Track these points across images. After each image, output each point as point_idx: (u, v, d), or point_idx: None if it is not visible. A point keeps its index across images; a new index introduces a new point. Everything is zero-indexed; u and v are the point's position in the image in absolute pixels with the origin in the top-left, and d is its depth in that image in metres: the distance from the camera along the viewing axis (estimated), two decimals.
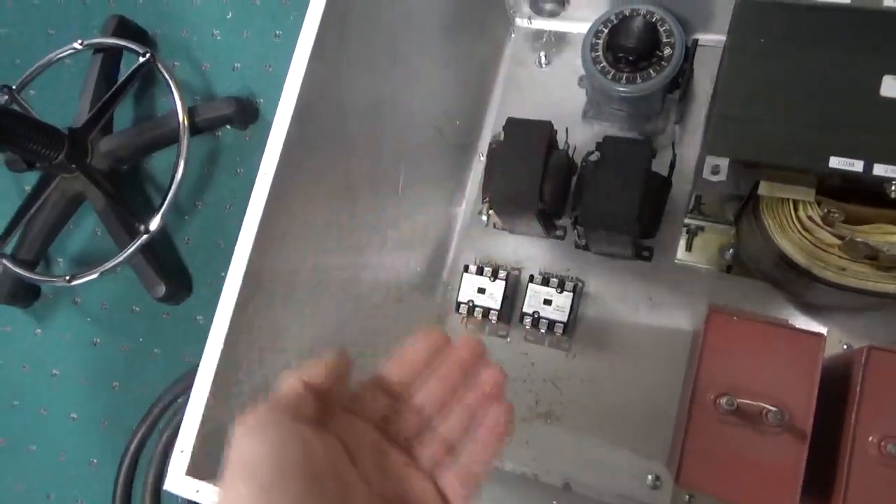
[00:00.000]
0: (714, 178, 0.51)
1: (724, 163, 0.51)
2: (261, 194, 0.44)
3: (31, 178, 1.12)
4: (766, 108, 0.51)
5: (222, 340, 0.41)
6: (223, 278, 1.05)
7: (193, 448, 0.39)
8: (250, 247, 0.42)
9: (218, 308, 0.42)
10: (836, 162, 0.49)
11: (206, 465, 0.40)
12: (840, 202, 0.52)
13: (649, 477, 0.67)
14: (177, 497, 0.81)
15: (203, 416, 0.40)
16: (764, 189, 0.53)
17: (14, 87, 1.09)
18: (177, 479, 0.39)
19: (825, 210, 0.51)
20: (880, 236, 0.51)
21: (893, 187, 0.48)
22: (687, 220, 0.69)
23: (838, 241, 0.51)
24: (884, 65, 0.49)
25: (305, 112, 0.45)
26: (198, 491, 0.39)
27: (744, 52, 0.53)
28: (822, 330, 0.65)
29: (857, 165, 0.48)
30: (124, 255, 0.96)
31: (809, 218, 0.52)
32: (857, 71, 0.50)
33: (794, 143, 0.50)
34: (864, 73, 0.49)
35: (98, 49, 1.09)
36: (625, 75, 0.67)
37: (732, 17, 0.53)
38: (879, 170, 0.48)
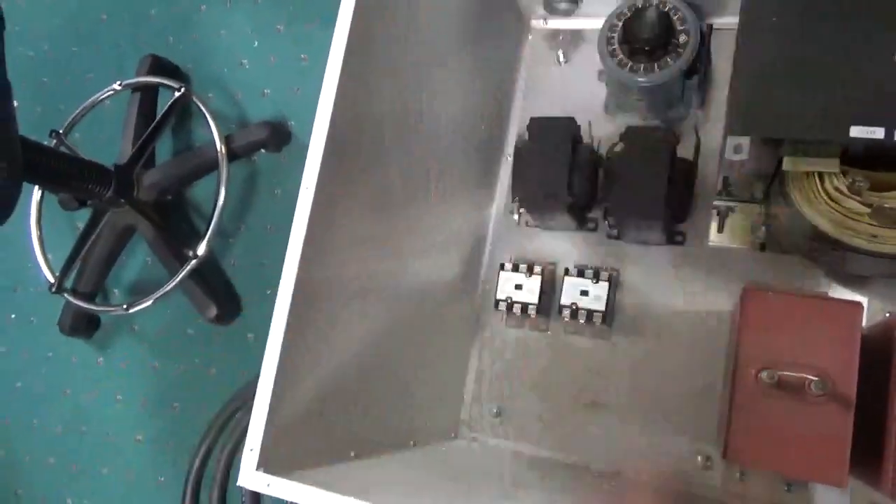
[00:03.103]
0: (737, 158, 0.53)
1: (745, 141, 0.52)
2: (303, 211, 0.46)
3: (82, 215, 1.17)
4: (782, 84, 0.52)
5: (279, 347, 0.44)
6: (269, 296, 1.09)
7: (262, 445, 0.42)
8: (297, 261, 0.45)
9: (273, 318, 0.45)
10: (856, 131, 0.49)
11: (274, 460, 0.43)
12: (865, 170, 0.53)
13: (699, 458, 0.67)
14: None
15: (267, 416, 0.43)
16: (788, 164, 0.53)
17: (61, 130, 1.15)
18: (248, 475, 0.42)
19: (850, 179, 0.52)
20: None
21: None
22: (716, 202, 0.70)
23: (867, 210, 0.51)
24: None
25: (339, 129, 0.48)
26: (269, 485, 0.42)
27: (757, 30, 0.54)
28: (863, 300, 0.65)
29: (879, 133, 0.49)
30: (176, 281, 1.00)
31: (836, 188, 0.53)
32: (870, 41, 0.50)
33: (813, 116, 0.51)
34: (878, 42, 0.50)
35: (135, 88, 1.15)
36: (642, 66, 0.68)
37: None
38: None
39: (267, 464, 0.42)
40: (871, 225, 0.52)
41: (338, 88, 0.48)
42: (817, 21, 0.52)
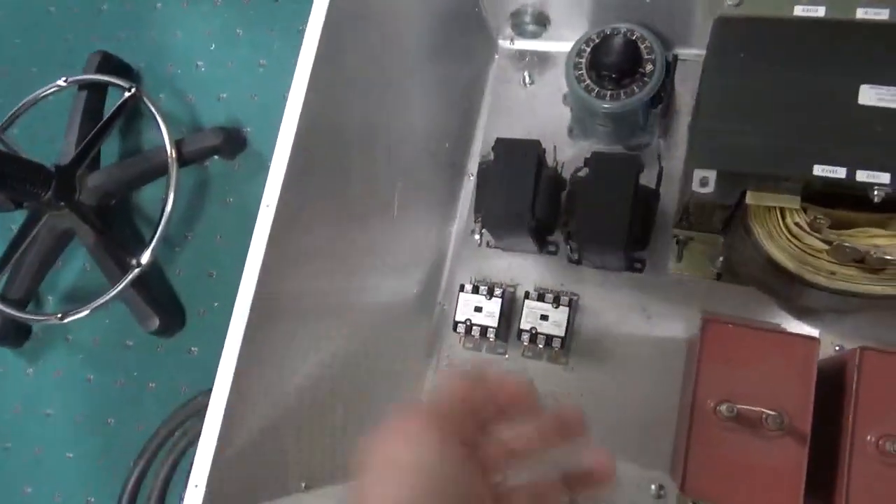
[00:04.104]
0: (703, 190, 0.53)
1: (711, 175, 0.52)
2: (264, 224, 0.44)
3: (16, 217, 1.11)
4: (750, 121, 0.53)
5: (233, 367, 0.42)
6: (216, 308, 1.05)
7: (209, 479, 0.39)
8: (256, 275, 0.43)
9: (227, 338, 0.43)
10: (819, 169, 0.50)
11: (220, 497, 0.40)
12: (826, 208, 0.54)
13: (653, 487, 0.67)
14: None
15: (217, 446, 0.40)
16: (751, 198, 0.54)
17: None
18: None
19: (812, 216, 0.52)
20: (866, 239, 0.52)
21: (876, 192, 0.49)
22: (676, 231, 0.70)
23: (826, 247, 0.52)
24: (860, 74, 0.51)
25: (303, 141, 0.46)
26: None
27: (724, 67, 0.54)
28: (814, 332, 0.66)
29: (840, 172, 0.50)
30: (116, 290, 0.96)
31: (797, 224, 0.53)
32: (834, 81, 0.51)
33: (778, 153, 0.51)
34: (842, 82, 0.51)
35: (83, 85, 1.10)
36: (608, 92, 0.68)
37: (711, 34, 0.55)
38: (862, 175, 0.49)
39: (213, 501, 0.39)
40: (830, 262, 0.53)
41: (304, 100, 0.46)
42: (784, 60, 0.53)
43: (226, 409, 0.41)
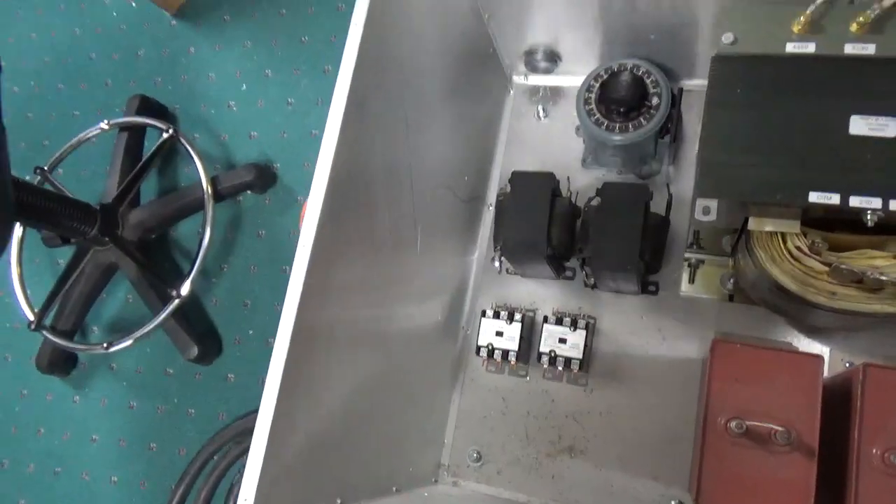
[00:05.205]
0: (705, 219, 0.56)
1: (713, 203, 0.56)
2: (303, 259, 0.48)
3: (64, 252, 1.18)
4: (749, 152, 0.56)
5: (276, 392, 0.46)
6: (251, 336, 1.10)
7: (257, 493, 0.43)
8: (296, 307, 0.47)
9: (271, 363, 0.47)
10: (815, 196, 0.53)
11: None
12: (825, 231, 0.57)
13: (672, 503, 0.70)
14: None
15: (263, 464, 0.44)
16: (753, 224, 0.57)
17: (45, 167, 1.16)
18: None
19: (811, 240, 0.55)
20: (864, 261, 0.55)
21: (869, 216, 0.52)
22: (687, 255, 0.73)
23: (826, 268, 0.55)
24: (850, 105, 0.54)
25: (336, 182, 0.50)
26: None
27: (723, 102, 0.58)
28: (825, 350, 0.69)
29: (835, 198, 0.53)
30: (158, 320, 1.01)
31: (797, 248, 0.56)
32: (827, 112, 0.55)
33: (776, 182, 0.55)
34: (834, 113, 0.54)
35: (123, 127, 1.17)
36: (617, 125, 0.72)
37: (710, 71, 0.59)
38: (855, 201, 0.52)
39: None
40: (830, 283, 0.55)
41: (336, 144, 0.51)
42: (779, 94, 0.56)
43: (271, 429, 0.45)
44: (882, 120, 0.53)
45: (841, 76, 0.55)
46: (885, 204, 0.52)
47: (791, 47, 0.57)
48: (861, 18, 0.54)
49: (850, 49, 0.55)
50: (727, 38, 0.58)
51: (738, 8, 0.59)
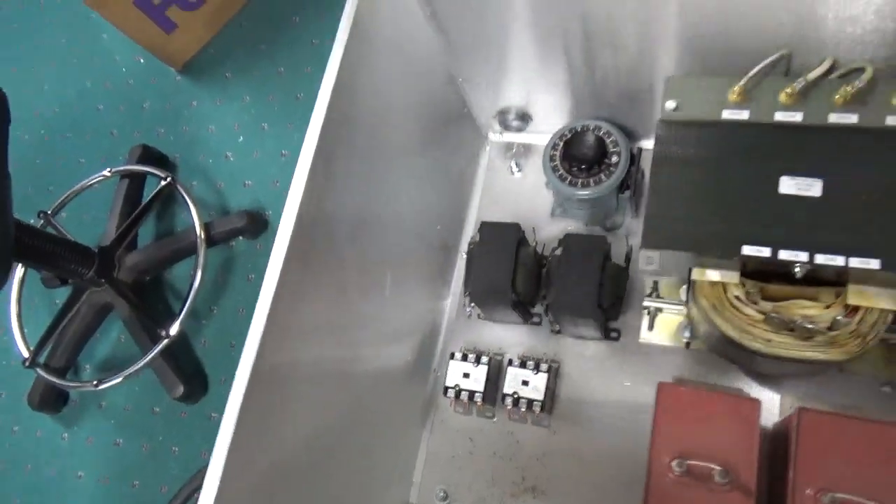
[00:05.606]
0: (649, 268, 0.60)
1: (656, 255, 0.60)
2: (266, 298, 0.53)
3: (62, 293, 1.22)
4: (689, 208, 0.61)
5: (231, 431, 0.49)
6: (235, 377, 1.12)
7: None
8: (257, 346, 0.51)
9: (228, 402, 0.50)
10: (748, 249, 0.57)
11: None
12: (764, 283, 0.61)
13: None
14: None
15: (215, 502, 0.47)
16: (696, 274, 0.61)
17: (49, 211, 1.21)
18: None
19: (746, 290, 0.59)
20: (797, 310, 0.59)
21: (798, 268, 0.56)
22: (646, 303, 0.77)
23: (761, 317, 0.59)
24: (780, 167, 0.59)
25: (303, 226, 0.54)
26: None
27: (667, 161, 0.63)
28: (776, 396, 0.72)
29: (766, 251, 0.57)
30: (147, 359, 1.05)
31: (737, 297, 0.60)
32: (759, 173, 0.59)
33: (713, 235, 0.59)
34: (765, 174, 0.59)
35: (124, 175, 1.23)
36: (580, 180, 0.77)
37: (655, 134, 0.64)
38: (784, 254, 0.57)
39: None
40: (766, 330, 0.59)
41: (302, 195, 0.56)
42: (717, 155, 0.61)
43: (223, 473, 0.47)
44: (808, 181, 0.58)
45: (772, 140, 0.60)
46: (811, 257, 0.56)
47: (727, 114, 0.62)
48: (789, 89, 0.60)
49: (779, 116, 0.60)
50: (670, 104, 0.64)
51: (680, 78, 0.65)
